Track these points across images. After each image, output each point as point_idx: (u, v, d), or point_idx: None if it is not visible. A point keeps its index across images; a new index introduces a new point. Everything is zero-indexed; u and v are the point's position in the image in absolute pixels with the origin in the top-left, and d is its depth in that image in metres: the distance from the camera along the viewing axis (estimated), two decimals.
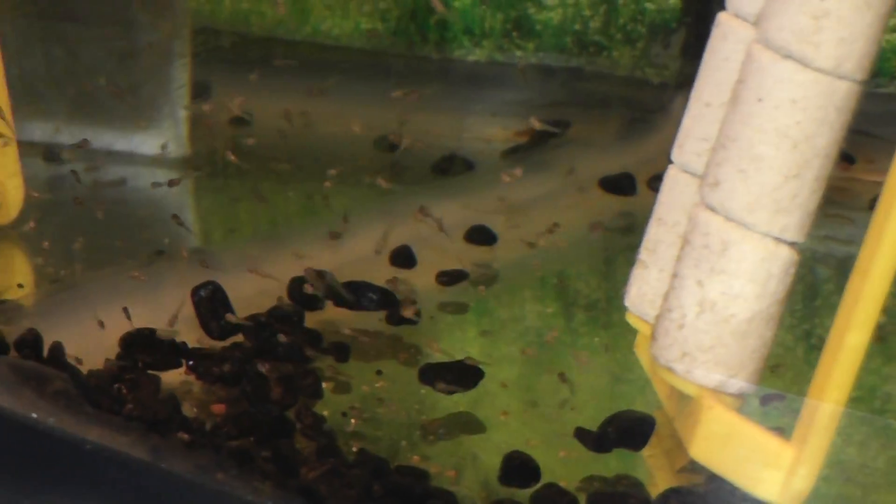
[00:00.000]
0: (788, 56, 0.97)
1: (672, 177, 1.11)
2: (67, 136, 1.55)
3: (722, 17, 1.07)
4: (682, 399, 1.07)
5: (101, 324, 1.22)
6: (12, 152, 1.42)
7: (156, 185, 1.43)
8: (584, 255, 1.41)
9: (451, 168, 1.56)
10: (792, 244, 1.01)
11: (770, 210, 1.00)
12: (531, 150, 1.61)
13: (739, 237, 1.01)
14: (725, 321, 1.02)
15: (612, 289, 1.33)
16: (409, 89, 1.50)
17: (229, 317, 1.23)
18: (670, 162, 1.10)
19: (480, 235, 1.42)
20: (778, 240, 1.00)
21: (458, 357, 1.19)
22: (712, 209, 1.03)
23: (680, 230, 1.09)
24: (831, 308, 1.41)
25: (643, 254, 1.12)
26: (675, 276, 1.05)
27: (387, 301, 1.29)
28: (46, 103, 1.54)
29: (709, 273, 1.03)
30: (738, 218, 1.01)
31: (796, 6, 0.96)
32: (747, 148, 1.00)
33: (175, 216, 1.40)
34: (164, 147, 1.55)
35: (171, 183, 1.45)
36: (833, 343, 0.97)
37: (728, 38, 1.06)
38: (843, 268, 1.44)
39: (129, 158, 1.56)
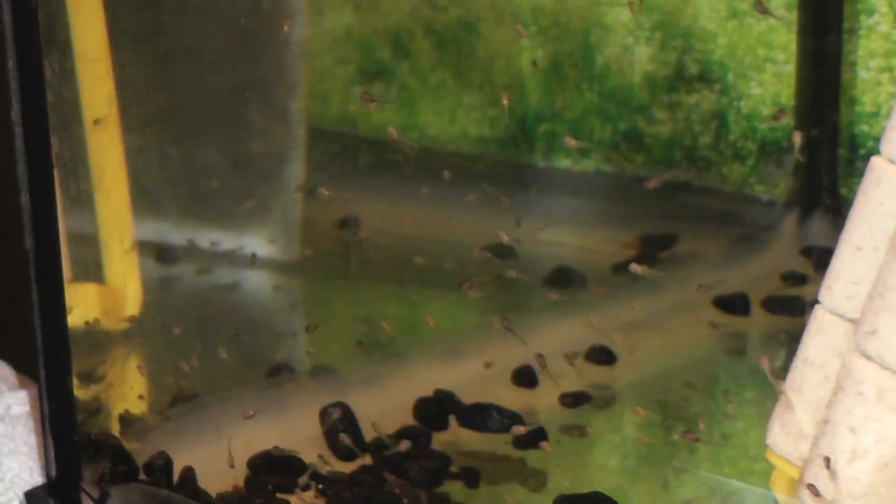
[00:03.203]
0: None
1: (819, 317, 1.10)
2: (180, 236, 1.55)
3: (876, 162, 1.06)
4: None
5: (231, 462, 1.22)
6: (132, 256, 1.43)
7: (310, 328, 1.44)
8: (701, 378, 1.40)
9: (564, 281, 1.56)
10: None
11: None
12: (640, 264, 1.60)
13: (895, 386, 1.01)
14: (879, 470, 1.02)
15: (739, 417, 1.33)
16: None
17: None
18: (817, 302, 1.10)
19: (600, 355, 1.42)
20: None
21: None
22: (867, 357, 1.02)
23: (827, 371, 1.09)
24: None
25: (787, 393, 1.11)
26: (826, 422, 1.05)
27: (513, 423, 1.29)
28: (161, 204, 1.54)
29: (863, 421, 1.03)
30: (894, 367, 1.01)
31: None
32: None
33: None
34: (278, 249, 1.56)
35: (308, 329, 1.45)
36: None
37: (882, 184, 1.05)
38: None
39: (242, 260, 1.56)
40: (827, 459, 1.02)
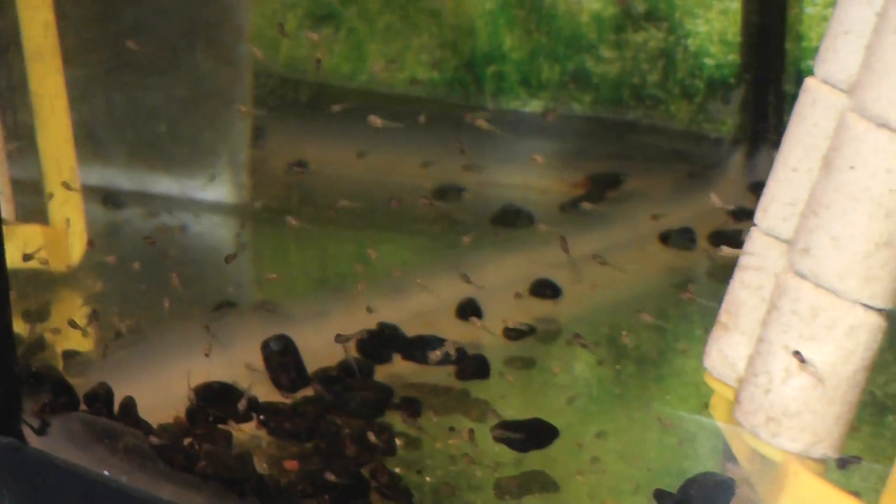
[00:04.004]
0: (884, 125, 0.97)
1: (755, 240, 1.10)
2: (126, 181, 1.55)
3: (810, 83, 1.07)
4: (764, 463, 1.06)
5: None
6: (76, 199, 1.42)
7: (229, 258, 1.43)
8: (648, 310, 1.41)
9: (511, 220, 1.56)
10: (880, 311, 1.01)
11: (860, 277, 1.00)
12: (588, 202, 1.60)
13: (829, 304, 1.01)
14: (813, 387, 1.02)
15: (688, 345, 1.34)
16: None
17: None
18: (753, 225, 1.10)
19: (545, 289, 1.42)
20: (867, 307, 1.00)
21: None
22: (802, 275, 1.03)
23: (763, 294, 1.09)
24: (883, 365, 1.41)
25: (724, 316, 1.11)
26: (761, 341, 1.05)
27: (456, 355, 1.29)
28: (106, 149, 1.54)
29: (797, 339, 1.03)
30: (828, 285, 1.01)
31: (894, 76, 0.97)
32: (839, 215, 1.00)
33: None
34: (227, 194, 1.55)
35: (227, 259, 1.45)
36: None
37: (817, 105, 1.06)
38: None
39: (189, 205, 1.56)
40: (797, 353, 1.01)
